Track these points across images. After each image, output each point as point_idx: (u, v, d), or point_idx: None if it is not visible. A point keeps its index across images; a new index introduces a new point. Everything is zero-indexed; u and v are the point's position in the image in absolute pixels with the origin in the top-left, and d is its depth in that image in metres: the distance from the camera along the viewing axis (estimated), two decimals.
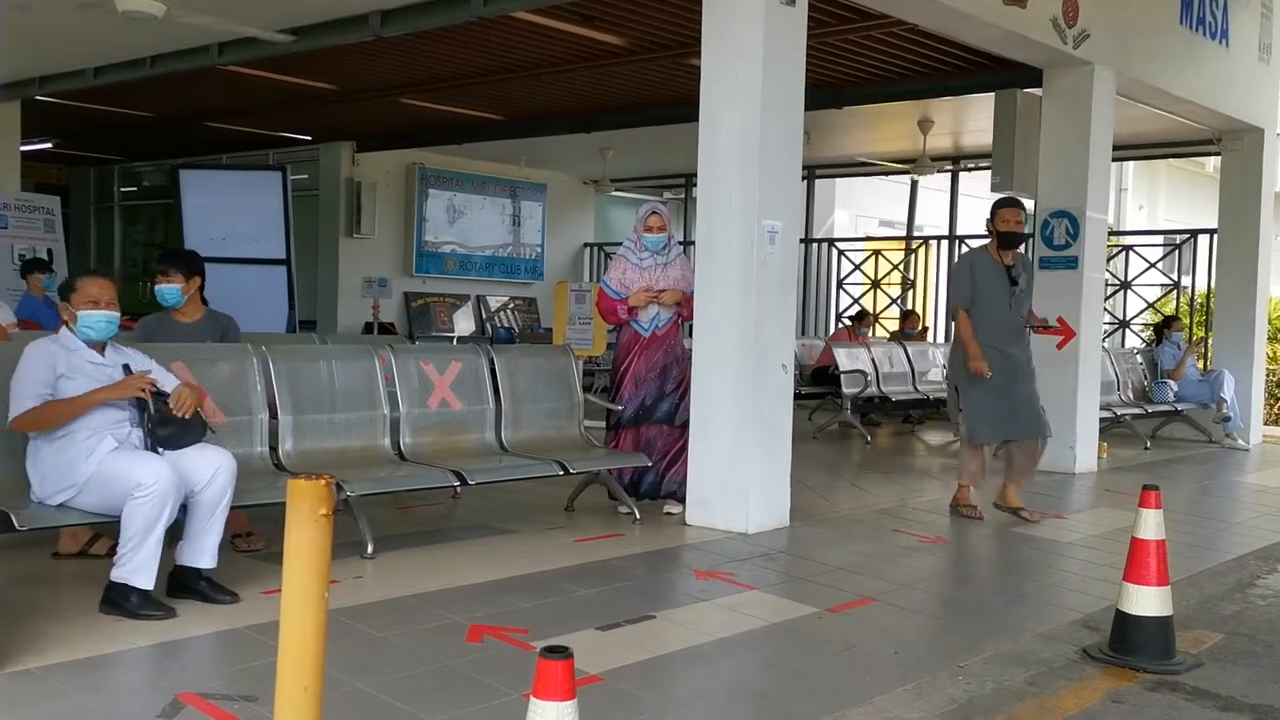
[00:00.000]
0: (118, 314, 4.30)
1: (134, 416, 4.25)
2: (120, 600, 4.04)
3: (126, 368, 4.31)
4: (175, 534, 4.28)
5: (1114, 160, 10.13)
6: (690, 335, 6.54)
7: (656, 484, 6.42)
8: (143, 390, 4.14)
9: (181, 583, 4.34)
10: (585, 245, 18.21)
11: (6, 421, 4.11)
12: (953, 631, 4.45)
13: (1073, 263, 8.74)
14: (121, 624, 4.01)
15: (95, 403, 4.10)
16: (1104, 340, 10.76)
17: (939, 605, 4.78)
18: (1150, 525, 4.07)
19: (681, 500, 6.33)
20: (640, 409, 6.33)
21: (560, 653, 2.12)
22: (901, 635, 4.33)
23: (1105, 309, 11.31)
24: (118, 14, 6.63)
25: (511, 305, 16.96)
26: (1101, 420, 9.37)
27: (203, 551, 4.28)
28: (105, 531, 4.60)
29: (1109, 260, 12.18)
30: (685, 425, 6.31)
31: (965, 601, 4.97)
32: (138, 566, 4.00)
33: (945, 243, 15.28)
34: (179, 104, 12.58)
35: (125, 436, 4.21)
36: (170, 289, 5.35)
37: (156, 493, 3.96)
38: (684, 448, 6.32)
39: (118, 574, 4.03)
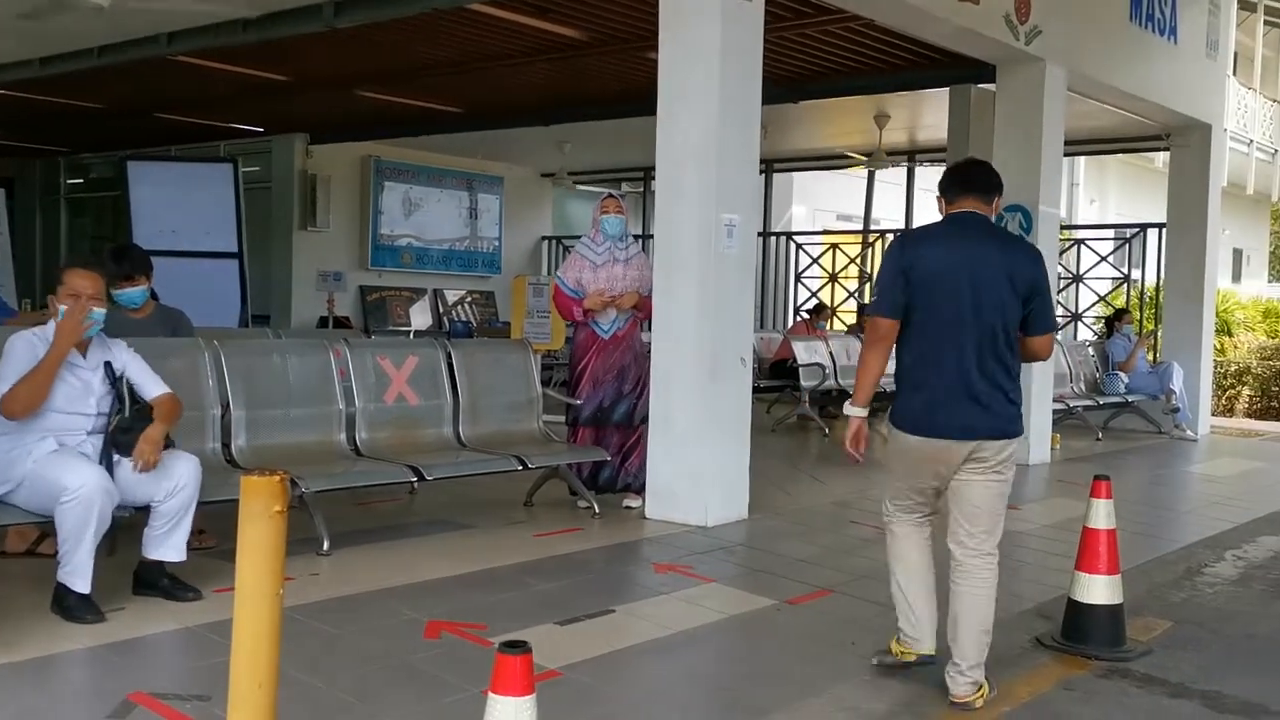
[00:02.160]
0: (103, 310, 4.22)
1: (96, 423, 4.18)
2: (60, 600, 3.99)
3: (108, 366, 4.25)
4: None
5: (1066, 155, 10.26)
6: (648, 330, 6.53)
7: (614, 477, 6.41)
8: (77, 322, 4.05)
9: (145, 580, 4.29)
10: (543, 239, 18.16)
11: None
12: None
13: None
14: (71, 624, 3.94)
15: (63, 353, 4.04)
16: (1056, 333, 10.89)
17: None
18: (1101, 515, 4.13)
19: (640, 492, 6.34)
20: (598, 410, 6.29)
21: (518, 648, 2.11)
22: (859, 626, 4.36)
23: (1058, 302, 11.46)
24: (63, 3, 6.49)
25: (469, 299, 16.87)
26: (1054, 412, 9.50)
27: (170, 546, 4.23)
28: (51, 531, 4.52)
29: (1061, 254, 12.33)
30: (643, 421, 6.31)
31: None
32: (74, 569, 3.94)
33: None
34: (128, 95, 12.35)
35: (78, 443, 4.14)
36: (137, 291, 5.28)
37: (81, 499, 3.88)
38: (639, 440, 6.34)
39: (60, 574, 3.98)
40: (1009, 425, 3.65)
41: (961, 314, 3.58)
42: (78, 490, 3.89)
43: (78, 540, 3.90)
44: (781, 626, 4.37)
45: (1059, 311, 12.09)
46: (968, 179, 3.83)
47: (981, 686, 3.61)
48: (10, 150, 17.03)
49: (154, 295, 5.61)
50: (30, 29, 9.13)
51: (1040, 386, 8.97)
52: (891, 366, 3.75)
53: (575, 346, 6.46)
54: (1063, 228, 12.79)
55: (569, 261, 6.50)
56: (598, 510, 6.20)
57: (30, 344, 4.11)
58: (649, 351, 6.33)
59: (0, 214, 12.65)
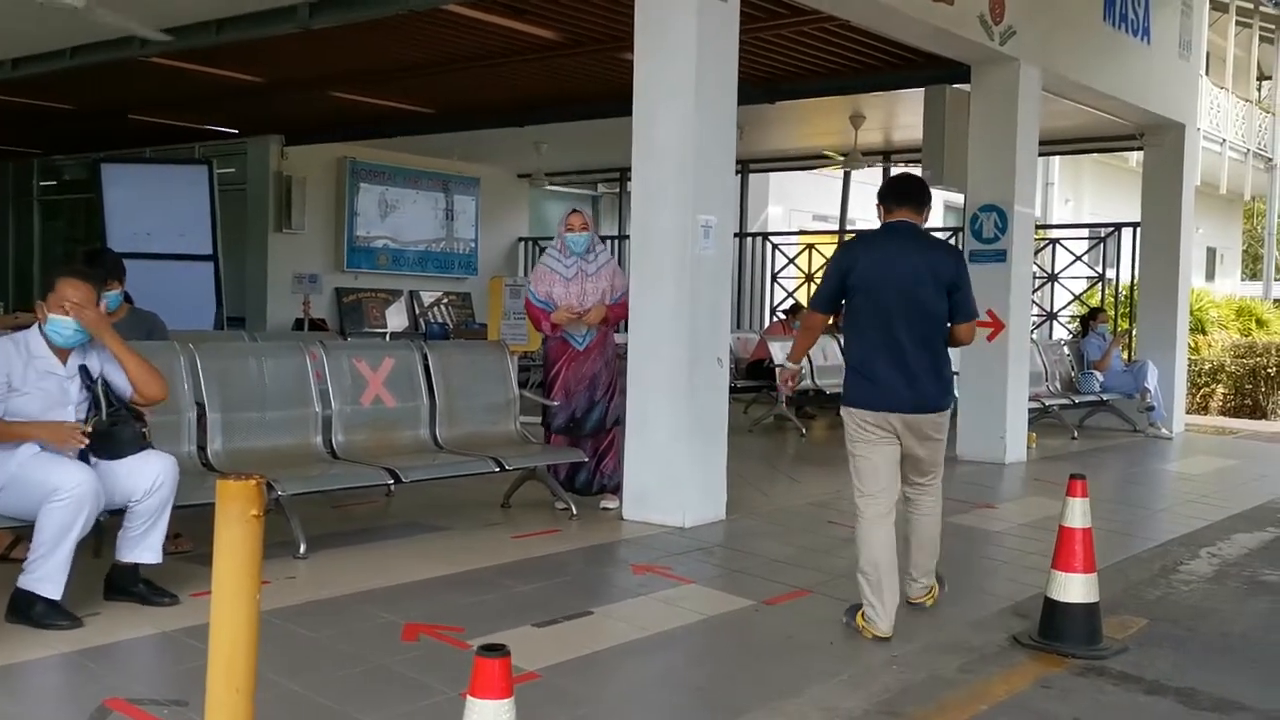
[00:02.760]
0: (74, 322, 4.15)
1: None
2: (25, 608, 3.92)
3: (84, 370, 4.21)
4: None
5: (1040, 155, 10.34)
6: (623, 331, 6.53)
7: (590, 480, 6.42)
8: (78, 440, 4.00)
9: (118, 585, 4.24)
10: (519, 240, 18.12)
11: None
12: None
13: (1001, 256, 8.89)
14: (42, 631, 3.89)
15: (29, 438, 3.99)
16: (1032, 332, 10.96)
17: None
18: (1077, 514, 4.16)
19: (616, 492, 6.36)
20: (571, 420, 6.31)
21: (497, 651, 2.10)
22: (837, 626, 4.37)
23: (1033, 301, 11.53)
24: (36, 4, 6.43)
25: (445, 300, 16.81)
26: (1030, 411, 9.56)
27: (146, 548, 4.19)
28: (25, 536, 4.47)
29: (1036, 253, 12.40)
30: (617, 422, 6.35)
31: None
32: (46, 575, 3.89)
33: None
34: (101, 96, 12.25)
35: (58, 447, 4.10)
36: (111, 296, 5.23)
37: (73, 498, 3.85)
38: (613, 441, 6.38)
39: (24, 580, 3.92)
40: (943, 399, 4.38)
41: (898, 308, 4.26)
42: (72, 489, 3.85)
43: (56, 544, 3.86)
44: (759, 627, 4.38)
45: (1034, 311, 12.18)
46: (905, 192, 4.49)
47: (931, 588, 4.59)
48: None
49: (128, 299, 5.57)
50: (3, 27, 9.04)
51: (1016, 386, 9.02)
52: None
53: (547, 353, 6.48)
54: (1038, 227, 12.86)
55: (538, 274, 6.49)
56: (575, 512, 6.19)
57: (4, 352, 4.07)
58: (622, 354, 6.36)
59: None
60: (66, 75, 10.29)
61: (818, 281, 15.25)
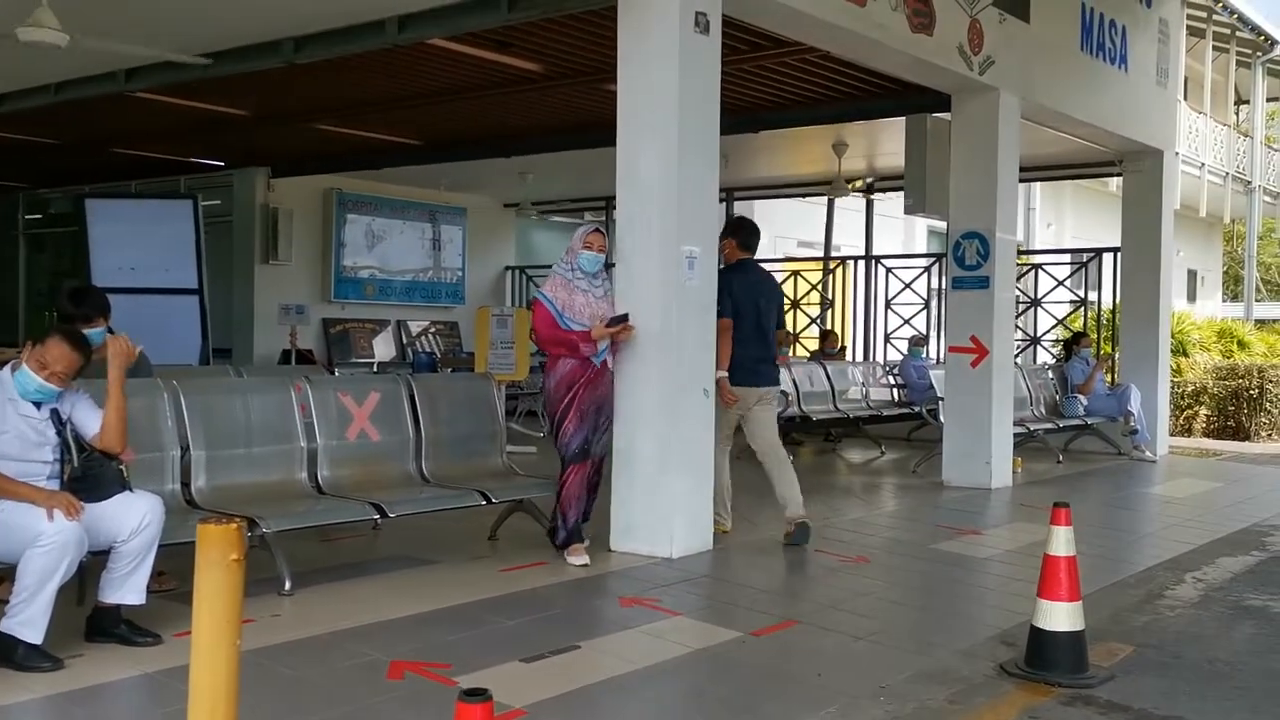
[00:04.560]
0: (59, 390, 4.21)
1: (53, 470, 4.14)
2: (7, 652, 3.90)
3: (55, 414, 4.22)
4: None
5: (1021, 181, 10.42)
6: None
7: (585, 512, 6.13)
8: (68, 514, 3.97)
9: (100, 626, 4.22)
10: (506, 268, 18.14)
11: None
12: (875, 652, 4.50)
13: (984, 282, 8.94)
14: (23, 674, 3.86)
15: (20, 497, 3.97)
16: (1016, 357, 11.01)
17: (862, 626, 4.83)
18: (1061, 542, 4.17)
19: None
20: (586, 443, 5.97)
21: (478, 695, 2.10)
22: (825, 657, 4.37)
23: (1016, 326, 11.60)
24: (20, 42, 6.45)
25: (433, 330, 16.79)
26: (1015, 435, 9.59)
27: (131, 589, 4.17)
28: (8, 576, 4.44)
29: (1019, 279, 12.47)
30: (606, 452, 6.18)
31: (887, 621, 5.02)
32: (28, 619, 3.87)
33: (862, 262, 15.53)
34: (87, 130, 12.25)
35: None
36: (95, 332, 5.23)
37: (56, 545, 3.84)
38: (601, 477, 6.18)
39: (6, 624, 3.90)
40: (776, 378, 6.99)
41: (756, 316, 6.64)
42: (55, 536, 3.84)
43: (38, 589, 3.84)
44: (747, 659, 4.37)
45: (1018, 336, 12.24)
46: (753, 236, 6.94)
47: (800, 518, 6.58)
48: None
49: (111, 334, 5.55)
50: None
51: (1000, 411, 9.06)
52: None
53: (559, 379, 5.94)
54: (1020, 252, 12.95)
55: (555, 283, 6.00)
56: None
57: None
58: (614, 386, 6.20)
59: None
60: (52, 110, 10.31)
61: (804, 307, 15.40)
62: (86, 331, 5.09)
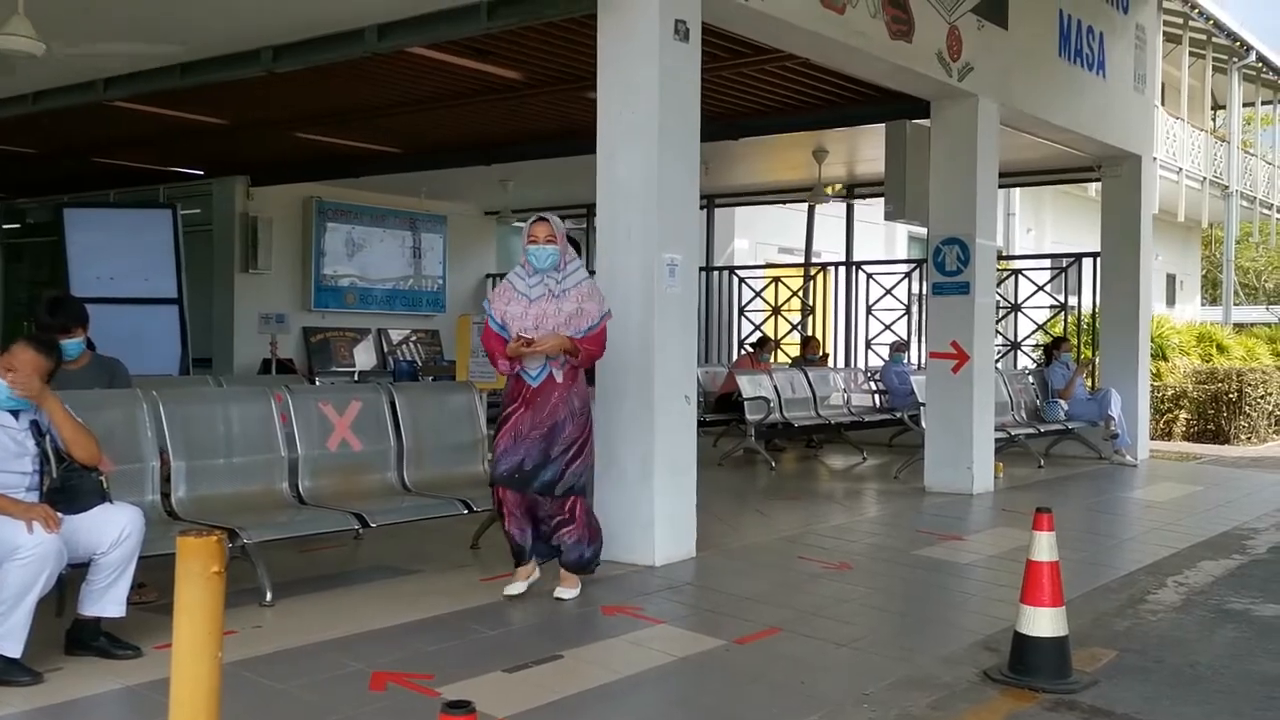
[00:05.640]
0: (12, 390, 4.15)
1: (33, 481, 4.11)
2: None
3: (35, 425, 4.19)
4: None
5: (1001, 187, 10.47)
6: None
7: (542, 549, 5.43)
8: (47, 527, 3.92)
9: (79, 639, 4.18)
10: (487, 276, 18.11)
11: None
12: (858, 659, 4.50)
13: (964, 288, 8.98)
14: (4, 688, 3.82)
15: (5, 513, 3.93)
16: (996, 362, 11.06)
17: (845, 632, 4.83)
18: (1044, 547, 4.18)
19: (580, 571, 5.42)
20: (517, 471, 5.20)
21: (462, 707, 2.08)
22: (808, 665, 4.37)
23: (997, 331, 11.64)
24: None
25: (414, 338, 16.76)
26: (996, 440, 9.62)
27: (111, 601, 4.13)
28: None
29: (999, 284, 12.54)
30: (575, 493, 5.30)
31: (870, 627, 5.03)
32: (6, 633, 3.83)
33: (843, 269, 15.58)
34: (65, 139, 12.19)
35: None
36: (73, 343, 5.19)
37: (35, 557, 3.81)
38: (575, 515, 5.33)
39: None
40: None
41: None
42: (34, 549, 3.81)
43: (17, 602, 3.80)
44: (731, 667, 4.36)
45: (999, 340, 12.28)
46: None
47: None
48: None
49: (90, 345, 5.52)
50: None
51: (981, 416, 9.08)
52: None
53: (505, 394, 5.41)
54: (1000, 258, 13.01)
55: (498, 290, 5.41)
56: None
57: None
58: (587, 410, 5.38)
59: None
60: (29, 119, 10.24)
61: (785, 314, 15.44)
62: (64, 342, 5.06)
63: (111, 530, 4.07)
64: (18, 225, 17.47)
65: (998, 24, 9.11)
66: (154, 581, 5.00)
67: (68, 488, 4.13)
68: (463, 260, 17.56)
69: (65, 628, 4.23)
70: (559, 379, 5.23)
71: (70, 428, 4.21)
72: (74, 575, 4.16)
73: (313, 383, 12.03)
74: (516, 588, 5.30)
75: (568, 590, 5.33)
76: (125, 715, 3.77)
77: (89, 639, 4.17)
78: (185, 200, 14.14)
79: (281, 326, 14.78)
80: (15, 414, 4.15)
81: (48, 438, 4.21)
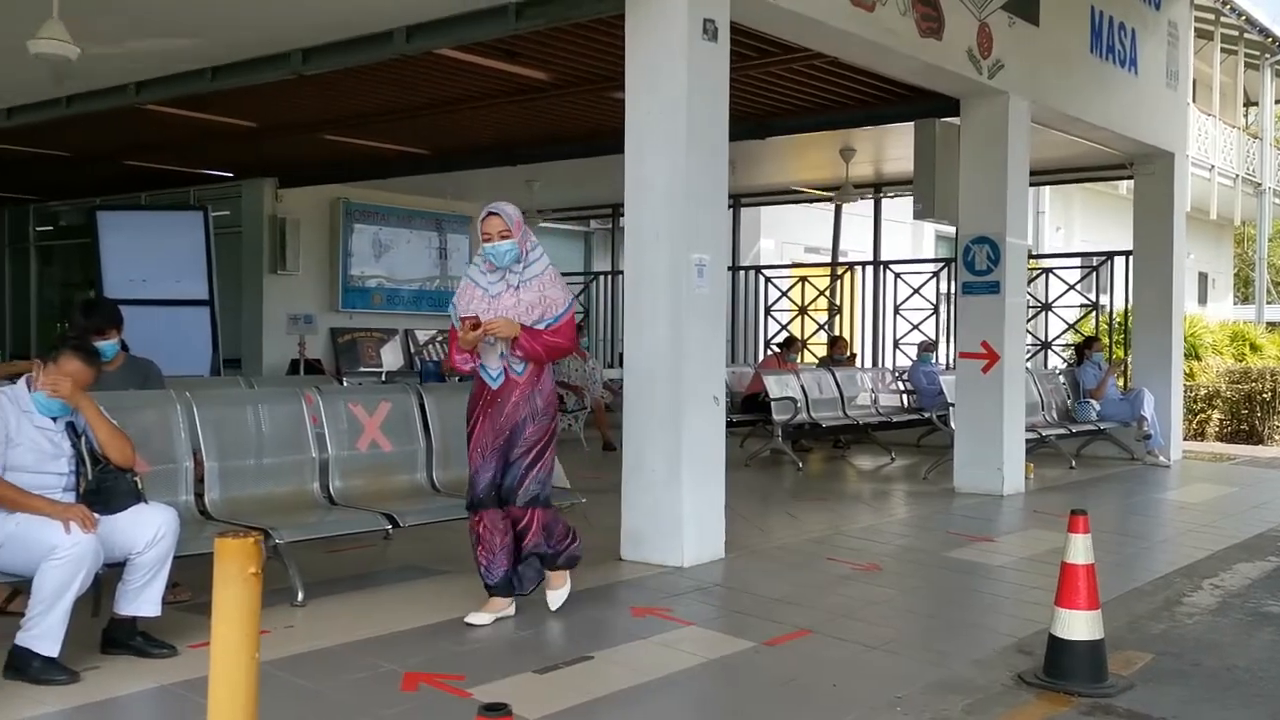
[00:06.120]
0: (53, 396, 4.21)
1: (69, 482, 4.15)
2: (22, 666, 3.89)
3: (71, 427, 4.23)
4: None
5: (1031, 185, 10.39)
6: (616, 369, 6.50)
7: (507, 578, 4.93)
8: (84, 527, 3.95)
9: (116, 638, 4.22)
10: None
11: None
12: (890, 661, 4.47)
13: (994, 287, 8.91)
14: (38, 688, 3.86)
15: (36, 510, 3.96)
16: (1027, 362, 10.98)
17: (875, 635, 4.80)
18: (1079, 550, 4.14)
19: (561, 566, 5.06)
20: (495, 488, 4.84)
21: (498, 710, 2.08)
22: (839, 667, 4.34)
23: (1027, 331, 11.55)
24: (31, 55, 6.47)
25: (440, 338, 16.81)
26: (1027, 441, 9.55)
27: (146, 600, 4.17)
28: (24, 589, 4.44)
29: (1029, 283, 12.46)
30: (538, 504, 4.86)
31: (901, 630, 5.00)
32: (43, 632, 3.86)
33: (870, 268, 15.51)
34: (97, 142, 12.30)
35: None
36: (108, 345, 5.24)
37: (72, 557, 3.84)
38: (532, 524, 4.87)
39: (22, 638, 3.89)
40: None
41: None
42: (70, 549, 3.84)
43: (54, 601, 3.84)
44: (761, 669, 4.34)
45: (1029, 340, 12.18)
46: None
47: None
48: None
49: (124, 347, 5.57)
50: None
51: (1012, 416, 9.02)
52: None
53: (469, 400, 5.00)
54: (1030, 256, 12.92)
55: (460, 288, 5.02)
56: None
57: (1, 406, 4.07)
58: (551, 412, 4.94)
59: None
60: (62, 122, 10.35)
61: (811, 313, 15.39)
62: (99, 344, 5.11)
63: (147, 530, 4.10)
64: (50, 228, 17.68)
65: (1029, 21, 9.04)
66: (187, 581, 5.04)
67: (103, 489, 4.17)
68: None
69: (101, 627, 4.26)
70: (520, 378, 4.79)
71: (105, 429, 4.25)
72: (110, 575, 4.20)
73: (340, 383, 12.08)
74: (482, 617, 4.78)
75: (555, 592, 5.03)
76: (161, 714, 3.79)
77: (125, 638, 4.21)
78: (215, 202, 14.26)
79: (309, 327, 14.87)
80: (54, 416, 4.19)
81: (83, 439, 4.25)
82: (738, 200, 15.89)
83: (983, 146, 8.96)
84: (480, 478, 4.85)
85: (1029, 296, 11.61)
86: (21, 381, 4.23)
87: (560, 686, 4.03)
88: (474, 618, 4.79)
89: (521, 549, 4.91)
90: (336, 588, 5.45)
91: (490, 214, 4.81)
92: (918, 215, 9.40)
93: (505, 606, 4.89)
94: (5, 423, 4.05)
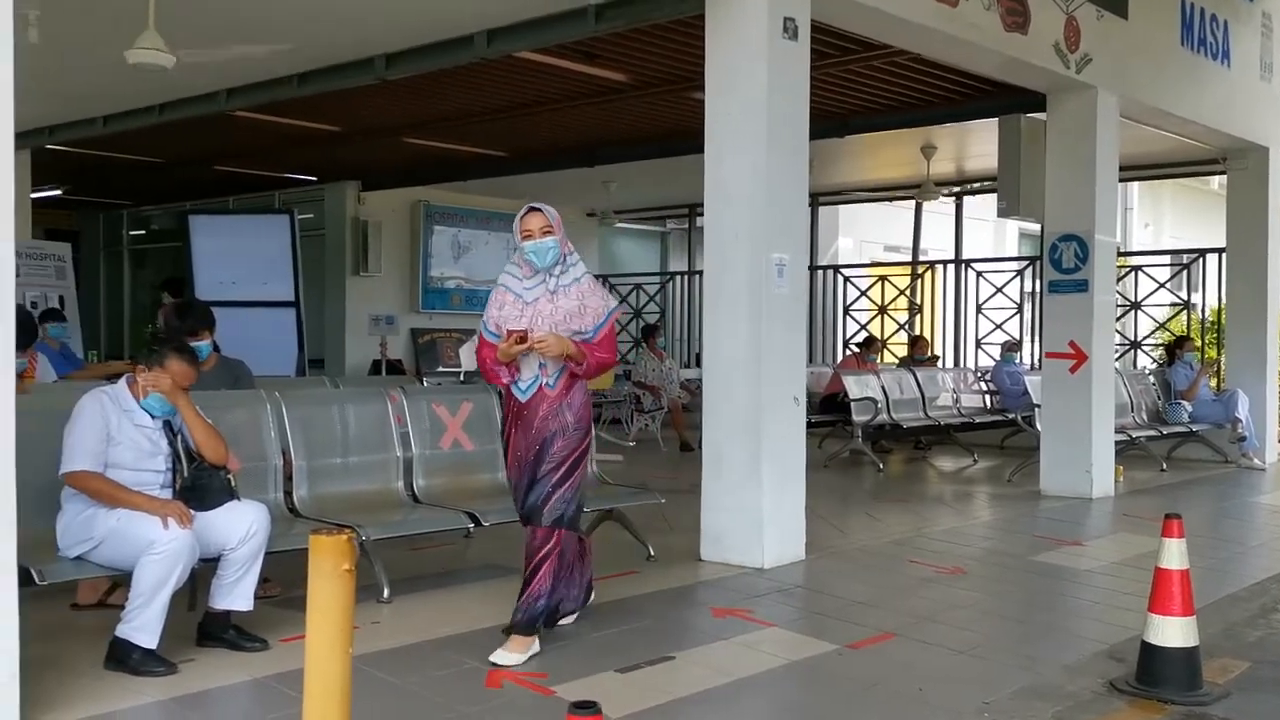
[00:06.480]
0: (158, 396, 4.35)
1: (166, 479, 4.27)
2: (123, 657, 4.02)
3: (168, 425, 4.35)
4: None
5: (1120, 181, 10.14)
6: (696, 367, 6.49)
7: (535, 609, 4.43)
8: (181, 523, 4.07)
9: (210, 631, 4.34)
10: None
11: (54, 473, 4.14)
12: (977, 666, 4.40)
13: (1083, 286, 8.73)
14: (137, 678, 3.97)
15: (135, 506, 4.08)
16: (1116, 362, 10.73)
17: (961, 639, 4.73)
18: (1174, 555, 4.04)
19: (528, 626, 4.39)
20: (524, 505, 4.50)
21: (587, 708, 2.09)
22: (925, 672, 4.29)
23: (1116, 330, 11.29)
24: (129, 65, 6.68)
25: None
26: (1116, 443, 9.33)
27: (239, 595, 4.28)
28: (123, 582, 4.58)
29: (1118, 281, 12.17)
30: (564, 524, 4.43)
31: (988, 634, 4.92)
32: (143, 625, 3.99)
33: (951, 266, 15.29)
34: (187, 148, 12.64)
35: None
36: (202, 346, 5.40)
37: (169, 553, 3.96)
38: (553, 550, 4.44)
39: (122, 630, 4.02)
40: None
41: None
42: (168, 544, 3.96)
43: (153, 595, 3.96)
44: (845, 673, 4.31)
45: (1118, 339, 11.90)
46: None
47: None
48: (75, 204, 17.49)
49: (215, 347, 5.71)
50: (95, 90, 9.41)
51: (1101, 417, 8.82)
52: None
53: (502, 414, 4.75)
54: (1118, 254, 12.62)
55: (492, 296, 4.60)
56: (653, 553, 6.16)
57: (101, 405, 4.21)
58: (584, 426, 4.53)
59: (67, 267, 12.99)
60: (155, 130, 10.66)
61: (891, 313, 15.21)
62: (193, 345, 5.25)
63: (240, 527, 4.21)
64: (142, 232, 18.22)
65: (1117, 13, 8.83)
66: (276, 577, 5.15)
67: (198, 486, 4.28)
68: None
69: (197, 621, 4.38)
70: (550, 390, 4.43)
71: (201, 428, 4.36)
72: (204, 570, 4.31)
73: (421, 383, 12.26)
74: (509, 657, 4.25)
75: (509, 655, 4.26)
76: (255, 706, 3.88)
77: (219, 631, 4.32)
78: (298, 205, 14.58)
79: (390, 328, 15.12)
80: (152, 415, 4.31)
81: (179, 437, 4.37)
82: (815, 199, 15.77)
83: (1070, 142, 8.78)
84: (517, 495, 4.55)
85: (1117, 295, 11.34)
86: (121, 382, 4.37)
87: (642, 686, 4.04)
88: (508, 659, 4.23)
89: (529, 588, 4.39)
90: (419, 585, 5.53)
91: (531, 210, 4.47)
92: (1002, 213, 9.23)
93: (531, 644, 4.35)
94: (107, 421, 4.18)
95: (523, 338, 4.29)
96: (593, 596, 4.95)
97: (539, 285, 4.45)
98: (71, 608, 4.93)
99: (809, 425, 9.15)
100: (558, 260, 4.45)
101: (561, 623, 4.70)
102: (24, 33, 6.70)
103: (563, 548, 4.47)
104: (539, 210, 4.46)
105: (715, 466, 6.18)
